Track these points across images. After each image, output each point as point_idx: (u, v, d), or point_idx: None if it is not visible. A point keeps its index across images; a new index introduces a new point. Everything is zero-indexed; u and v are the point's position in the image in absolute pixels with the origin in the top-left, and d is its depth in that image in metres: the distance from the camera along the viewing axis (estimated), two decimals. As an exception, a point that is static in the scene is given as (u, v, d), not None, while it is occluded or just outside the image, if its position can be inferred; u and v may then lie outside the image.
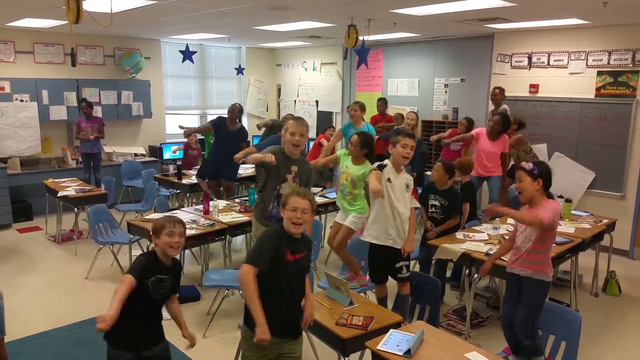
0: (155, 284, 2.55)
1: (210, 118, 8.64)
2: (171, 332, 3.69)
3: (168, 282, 2.61)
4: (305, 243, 2.69)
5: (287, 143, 3.75)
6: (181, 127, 7.13)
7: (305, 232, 2.67)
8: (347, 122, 6.04)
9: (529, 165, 3.10)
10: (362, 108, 6.06)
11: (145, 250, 4.99)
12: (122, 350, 2.57)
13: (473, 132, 6.08)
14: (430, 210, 4.58)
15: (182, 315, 2.85)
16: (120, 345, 2.57)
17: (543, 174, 3.08)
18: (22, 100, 7.33)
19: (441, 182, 4.55)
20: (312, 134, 8.72)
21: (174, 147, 8.20)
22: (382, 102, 7.83)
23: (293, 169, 3.79)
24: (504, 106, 6.57)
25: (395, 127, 6.95)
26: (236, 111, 6.45)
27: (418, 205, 3.88)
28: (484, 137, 5.93)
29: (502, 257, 3.72)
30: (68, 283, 5.16)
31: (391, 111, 8.22)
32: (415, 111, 7.44)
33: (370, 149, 4.30)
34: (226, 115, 6.50)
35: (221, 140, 6.45)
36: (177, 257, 2.72)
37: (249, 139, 9.21)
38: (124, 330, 2.49)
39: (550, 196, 3.29)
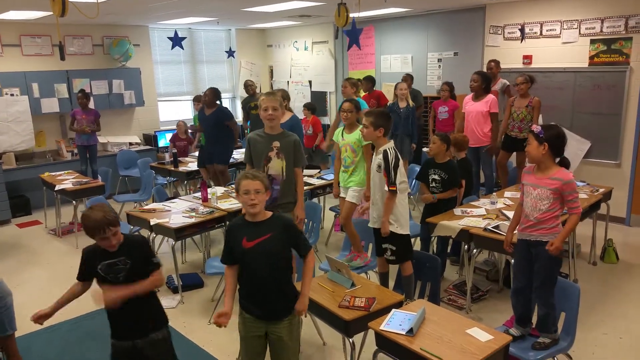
0: (106, 270, 2.55)
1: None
2: (176, 321, 3.73)
3: (121, 263, 2.54)
4: (272, 224, 2.60)
5: (263, 120, 3.77)
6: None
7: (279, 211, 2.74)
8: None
9: (537, 128, 3.03)
10: (353, 84, 6.13)
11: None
12: (115, 340, 2.67)
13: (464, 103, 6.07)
14: (430, 185, 4.58)
15: (152, 281, 2.62)
16: (112, 334, 2.67)
17: (550, 139, 2.98)
18: (12, 95, 7.26)
19: (440, 154, 4.54)
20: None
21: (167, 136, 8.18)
22: (365, 83, 7.38)
23: (275, 145, 3.76)
24: (503, 80, 6.51)
25: (390, 103, 6.94)
26: (207, 97, 6.45)
27: (386, 188, 3.63)
28: (469, 101, 5.90)
29: (496, 231, 3.77)
30: (72, 276, 5.06)
31: (384, 88, 8.18)
32: (408, 81, 7.30)
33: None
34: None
35: (203, 126, 6.66)
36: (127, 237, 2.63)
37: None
38: (110, 319, 2.65)
39: (565, 163, 3.11)
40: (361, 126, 4.38)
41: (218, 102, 6.51)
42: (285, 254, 2.64)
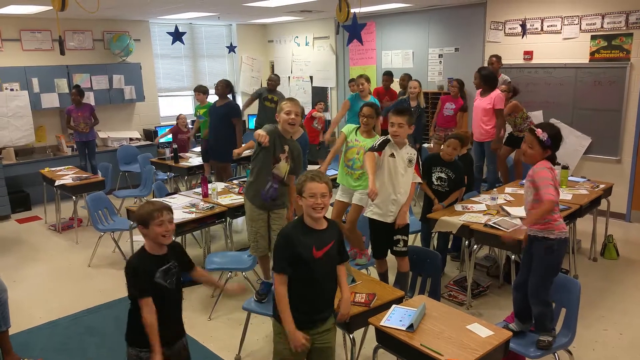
0: (164, 277, 2.44)
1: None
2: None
3: (174, 267, 2.48)
4: (332, 230, 2.52)
5: (282, 122, 3.82)
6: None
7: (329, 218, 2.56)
8: (350, 95, 6.02)
9: (544, 136, 2.98)
10: (369, 80, 6.09)
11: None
12: (145, 350, 2.42)
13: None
14: (435, 183, 4.53)
15: (209, 276, 2.89)
16: (144, 345, 2.41)
17: (552, 146, 3.00)
18: (12, 90, 7.25)
19: (451, 155, 4.52)
20: (306, 110, 8.67)
21: (164, 132, 8.11)
22: (388, 78, 7.62)
23: (286, 149, 3.84)
24: (504, 76, 6.49)
25: (400, 98, 6.91)
26: (220, 87, 6.35)
27: (419, 180, 3.86)
28: (477, 96, 5.99)
29: (496, 226, 3.77)
30: (71, 272, 5.19)
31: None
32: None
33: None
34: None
35: (211, 118, 6.49)
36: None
37: (244, 118, 9.21)
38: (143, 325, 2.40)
39: (552, 159, 3.10)
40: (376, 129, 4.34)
41: (230, 95, 6.43)
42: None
